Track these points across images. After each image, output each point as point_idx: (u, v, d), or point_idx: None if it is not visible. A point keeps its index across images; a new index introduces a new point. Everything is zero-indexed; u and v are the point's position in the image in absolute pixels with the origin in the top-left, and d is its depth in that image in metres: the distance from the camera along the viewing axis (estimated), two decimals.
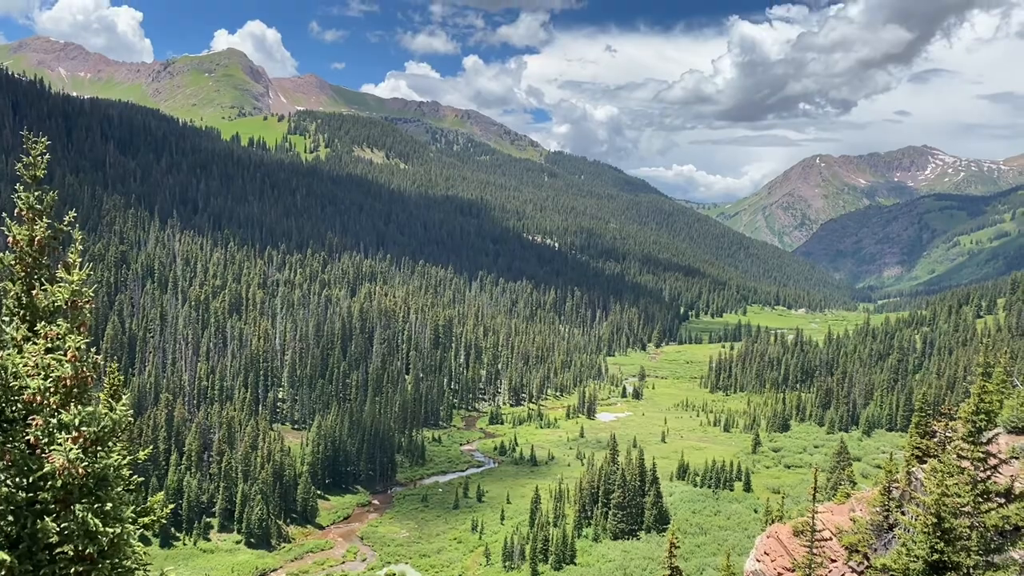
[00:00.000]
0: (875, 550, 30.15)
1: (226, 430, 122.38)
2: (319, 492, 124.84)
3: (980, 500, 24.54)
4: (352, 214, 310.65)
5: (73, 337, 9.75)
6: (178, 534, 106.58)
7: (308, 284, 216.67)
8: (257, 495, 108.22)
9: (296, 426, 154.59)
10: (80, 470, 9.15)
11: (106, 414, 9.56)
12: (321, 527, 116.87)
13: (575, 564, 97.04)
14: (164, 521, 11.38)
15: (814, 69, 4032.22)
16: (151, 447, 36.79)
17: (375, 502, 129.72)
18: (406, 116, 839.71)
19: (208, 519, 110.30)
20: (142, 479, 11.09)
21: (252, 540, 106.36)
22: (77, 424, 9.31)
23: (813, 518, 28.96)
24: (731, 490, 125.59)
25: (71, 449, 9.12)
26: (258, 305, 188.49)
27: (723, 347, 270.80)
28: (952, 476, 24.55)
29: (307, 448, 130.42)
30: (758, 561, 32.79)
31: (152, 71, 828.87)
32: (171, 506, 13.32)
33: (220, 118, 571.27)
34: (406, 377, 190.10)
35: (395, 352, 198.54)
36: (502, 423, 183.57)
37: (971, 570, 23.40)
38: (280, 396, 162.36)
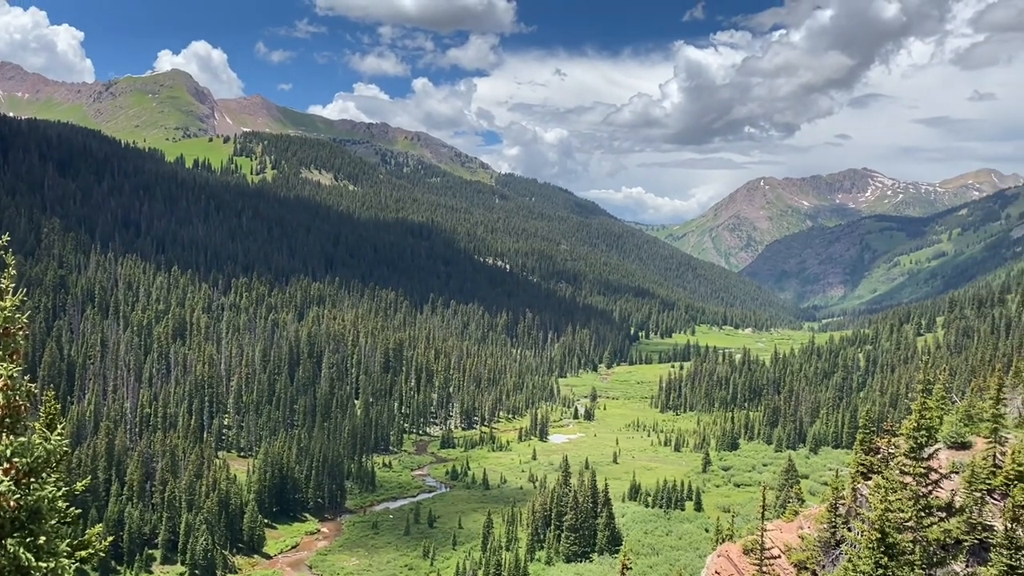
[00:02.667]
0: (823, 567, 30.56)
1: (170, 458, 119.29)
2: (266, 521, 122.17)
3: (922, 515, 25.08)
4: (300, 237, 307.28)
5: (5, 365, 9.41)
6: (119, 567, 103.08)
7: (254, 308, 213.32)
8: (202, 525, 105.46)
9: (242, 453, 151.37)
10: (12, 503, 8.80)
11: (40, 444, 9.22)
12: (268, 557, 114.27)
13: None
14: (103, 554, 10.98)
15: (758, 93, 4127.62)
16: (89, 477, 35.69)
17: (324, 530, 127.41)
18: (355, 138, 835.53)
19: (151, 551, 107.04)
20: (80, 511, 10.68)
21: (197, 572, 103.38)
22: (9, 455, 8.96)
23: (762, 536, 29.26)
24: (682, 510, 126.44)
25: (2, 481, 8.77)
26: (203, 330, 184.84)
27: (673, 367, 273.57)
28: (895, 492, 25.04)
29: (254, 476, 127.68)
30: None
31: (93, 92, 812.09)
32: (111, 538, 12.79)
33: (164, 139, 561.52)
34: (355, 402, 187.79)
35: (344, 376, 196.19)
36: (454, 447, 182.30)
37: None
38: (226, 423, 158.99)
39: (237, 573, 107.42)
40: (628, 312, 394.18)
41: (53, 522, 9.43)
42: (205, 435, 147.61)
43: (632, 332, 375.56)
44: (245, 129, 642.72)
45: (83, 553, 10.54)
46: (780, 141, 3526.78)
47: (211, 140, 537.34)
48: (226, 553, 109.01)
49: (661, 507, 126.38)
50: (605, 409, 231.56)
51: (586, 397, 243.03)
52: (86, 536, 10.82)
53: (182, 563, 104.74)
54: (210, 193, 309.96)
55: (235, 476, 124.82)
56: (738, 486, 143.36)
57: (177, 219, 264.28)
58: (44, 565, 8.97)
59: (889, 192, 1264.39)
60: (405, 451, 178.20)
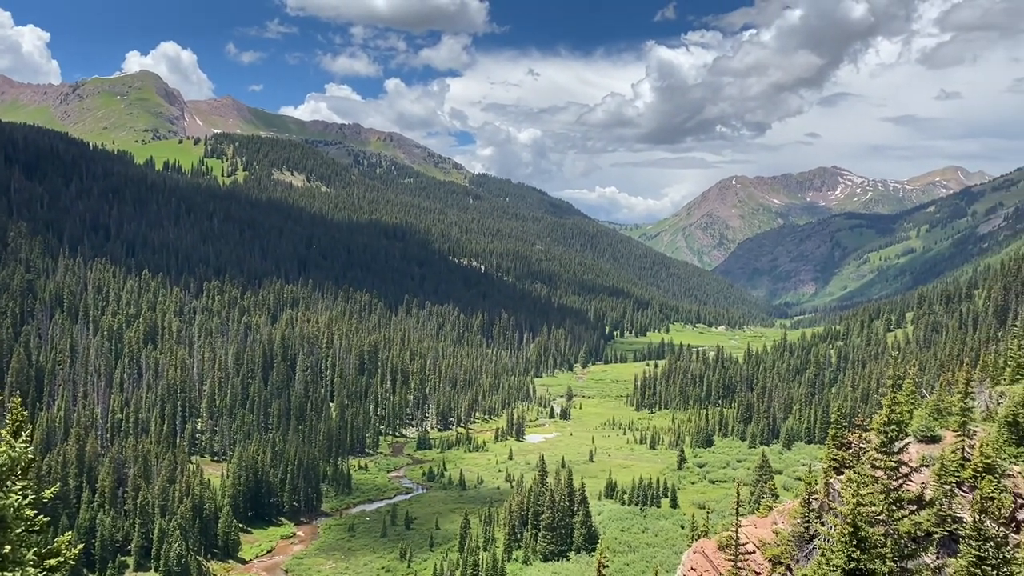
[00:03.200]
0: (797, 561, 30.86)
1: (142, 464, 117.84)
2: (241, 525, 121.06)
3: (893, 508, 25.40)
4: (272, 239, 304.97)
5: None
6: (90, 575, 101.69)
7: (227, 311, 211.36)
8: (175, 531, 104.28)
9: (216, 458, 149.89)
10: None
11: (4, 452, 9.06)
12: (244, 561, 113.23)
13: None
14: (73, 562, 10.81)
15: (730, 93, 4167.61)
16: (59, 485, 35.12)
17: (300, 534, 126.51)
18: (327, 139, 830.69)
19: (123, 558, 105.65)
20: (49, 519, 10.50)
21: None
22: None
23: (737, 532, 29.49)
24: (658, 507, 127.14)
25: None
26: (174, 334, 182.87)
27: (647, 365, 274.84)
28: (867, 486, 25.34)
29: (228, 480, 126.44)
30: None
31: (60, 93, 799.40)
32: (81, 546, 12.59)
33: (133, 142, 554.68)
34: (330, 404, 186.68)
35: (319, 379, 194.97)
36: (430, 448, 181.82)
37: None
38: (199, 427, 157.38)
39: None
40: (603, 311, 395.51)
41: (19, 530, 9.27)
42: (178, 440, 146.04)
43: (607, 331, 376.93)
44: (216, 131, 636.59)
45: (52, 561, 10.37)
46: (751, 140, 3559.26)
47: (181, 142, 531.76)
48: (200, 559, 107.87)
49: (637, 505, 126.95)
50: (581, 408, 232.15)
51: (562, 396, 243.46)
52: (55, 544, 10.65)
53: (155, 570, 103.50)
54: (181, 195, 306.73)
55: (209, 481, 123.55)
56: (713, 482, 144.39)
57: (147, 222, 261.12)
58: (9, 574, 8.82)
59: (858, 190, 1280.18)
60: (381, 453, 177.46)
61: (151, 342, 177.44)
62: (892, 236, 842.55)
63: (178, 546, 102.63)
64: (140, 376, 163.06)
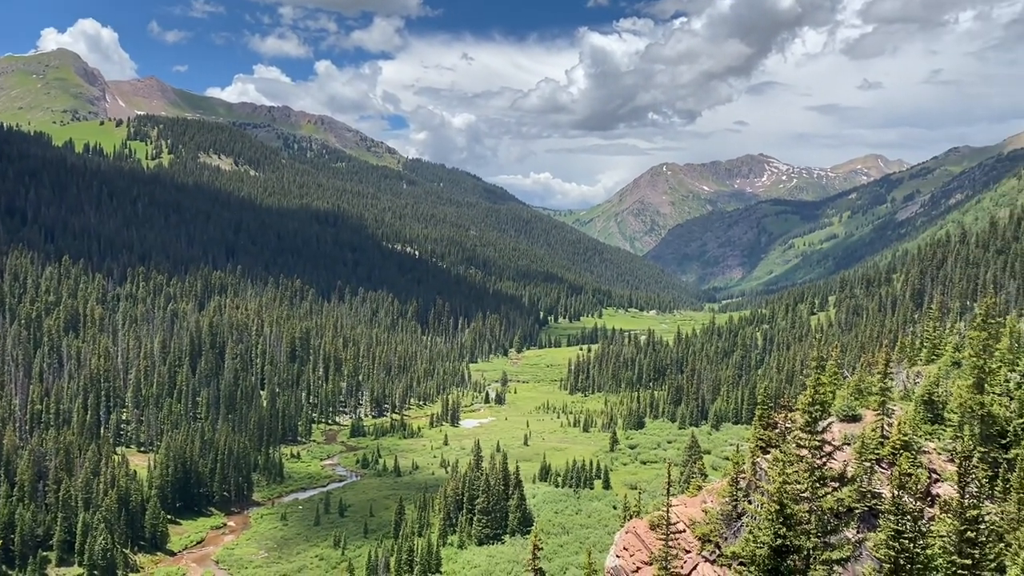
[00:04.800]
0: (726, 539, 31.68)
1: (64, 456, 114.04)
2: (170, 517, 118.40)
3: (817, 485, 26.28)
4: (199, 224, 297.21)
5: None
6: (10, 571, 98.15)
7: (152, 298, 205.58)
8: (100, 524, 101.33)
9: (143, 448, 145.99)
10: None
11: None
12: (172, 553, 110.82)
13: (440, 573, 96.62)
14: None
15: (661, 80, 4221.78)
16: None
17: (231, 524, 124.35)
18: (256, 121, 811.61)
19: (45, 553, 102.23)
20: None
21: (95, 572, 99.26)
22: None
23: (668, 512, 30.08)
24: (591, 488, 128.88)
25: None
26: (97, 322, 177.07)
27: (581, 350, 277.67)
28: (792, 464, 26.14)
29: (155, 471, 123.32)
30: (618, 557, 33.71)
31: None
32: None
33: (51, 123, 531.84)
34: (261, 393, 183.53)
35: (249, 367, 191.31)
36: (364, 435, 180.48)
37: (811, 552, 24.99)
38: (124, 417, 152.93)
39: (139, 572, 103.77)
40: (538, 297, 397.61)
41: None
42: (102, 431, 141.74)
43: (542, 316, 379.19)
44: (139, 112, 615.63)
45: None
46: (682, 127, 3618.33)
47: (103, 123, 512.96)
48: (127, 552, 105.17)
49: (571, 487, 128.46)
50: (516, 393, 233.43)
51: (497, 382, 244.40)
52: None
53: (79, 564, 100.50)
54: (103, 179, 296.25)
55: (135, 472, 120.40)
56: (644, 463, 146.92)
57: (67, 206, 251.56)
58: None
59: (784, 177, 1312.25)
60: (314, 441, 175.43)
61: (72, 330, 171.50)
62: (816, 222, 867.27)
63: (103, 539, 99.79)
64: (61, 366, 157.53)
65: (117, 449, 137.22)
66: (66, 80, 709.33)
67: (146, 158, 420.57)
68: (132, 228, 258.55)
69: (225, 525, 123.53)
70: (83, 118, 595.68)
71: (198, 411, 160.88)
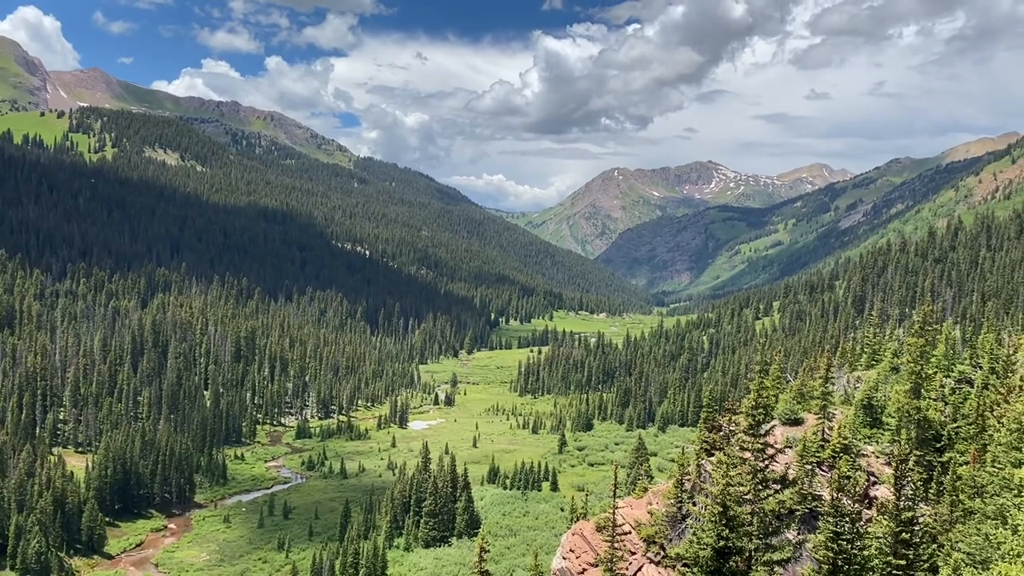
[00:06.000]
0: (671, 540, 31.99)
1: None
2: (108, 519, 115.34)
3: (760, 488, 26.70)
4: (143, 219, 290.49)
5: None
6: None
7: (93, 295, 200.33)
8: (34, 527, 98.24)
9: (81, 449, 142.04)
10: None
11: None
12: (110, 557, 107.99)
13: None
14: None
15: (614, 86, 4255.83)
16: None
17: (172, 526, 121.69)
18: (203, 116, 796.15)
19: None
20: None
21: None
22: None
23: (614, 513, 30.26)
24: (539, 490, 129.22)
25: None
26: (35, 318, 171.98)
27: (531, 352, 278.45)
28: (735, 467, 26.51)
29: (93, 472, 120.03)
30: (564, 559, 33.82)
31: None
32: None
33: None
34: (205, 393, 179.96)
35: (192, 366, 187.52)
36: (310, 437, 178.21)
37: (753, 553, 25.37)
38: (61, 417, 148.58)
39: (75, 575, 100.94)
40: (489, 298, 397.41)
41: None
42: (38, 431, 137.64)
43: (493, 318, 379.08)
44: (82, 104, 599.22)
45: None
46: (634, 133, 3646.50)
47: (43, 115, 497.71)
48: (62, 555, 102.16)
49: (519, 489, 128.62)
50: (466, 394, 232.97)
51: (447, 383, 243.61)
52: None
53: (12, 568, 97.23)
54: (42, 172, 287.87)
55: (72, 473, 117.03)
56: (592, 465, 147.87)
57: (4, 199, 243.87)
58: None
59: (732, 184, 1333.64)
60: (259, 442, 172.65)
61: (7, 327, 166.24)
62: (762, 229, 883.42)
63: (37, 543, 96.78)
64: None
65: (53, 450, 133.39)
66: (5, 69, 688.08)
67: (89, 151, 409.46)
68: (73, 222, 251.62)
69: (166, 528, 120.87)
70: (23, 108, 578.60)
71: (139, 411, 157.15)
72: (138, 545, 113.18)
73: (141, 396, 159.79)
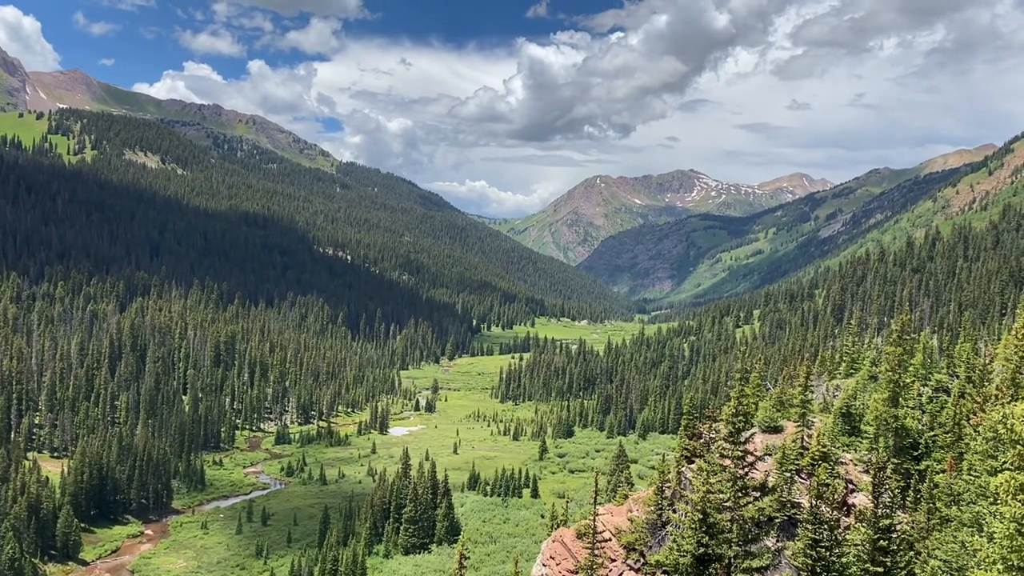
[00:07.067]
0: (651, 547, 32.04)
1: None
2: (83, 525, 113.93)
3: (739, 495, 26.83)
4: (123, 223, 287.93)
5: None
6: None
7: (71, 298, 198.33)
8: (8, 532, 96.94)
9: (56, 454, 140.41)
10: None
11: None
12: (85, 563, 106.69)
13: None
14: None
15: (598, 94, 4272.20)
16: None
17: (148, 532, 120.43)
18: (185, 119, 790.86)
19: None
20: None
21: None
22: None
23: (594, 520, 30.28)
24: (520, 497, 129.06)
25: None
26: (10, 321, 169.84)
27: (513, 358, 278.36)
28: (716, 474, 26.62)
29: (69, 477, 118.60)
30: (544, 565, 33.78)
31: None
32: None
33: None
34: (183, 398, 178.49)
35: (171, 371, 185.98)
36: (290, 443, 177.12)
37: (732, 560, 25.48)
38: (37, 421, 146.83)
39: None
40: (471, 304, 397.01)
41: None
42: (13, 435, 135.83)
43: (474, 324, 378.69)
44: (62, 105, 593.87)
45: None
46: (617, 141, 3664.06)
47: (22, 116, 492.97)
48: (36, 561, 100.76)
49: (499, 495, 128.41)
50: (447, 401, 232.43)
51: (428, 389, 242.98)
52: None
53: None
54: (20, 173, 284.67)
55: (47, 478, 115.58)
56: (573, 472, 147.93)
57: None
58: None
59: (713, 193, 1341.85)
60: (237, 448, 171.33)
61: None
62: (743, 238, 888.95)
63: (11, 548, 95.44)
64: None
65: (28, 454, 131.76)
66: None
67: (68, 153, 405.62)
68: (51, 225, 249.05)
69: (142, 534, 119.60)
70: (1, 109, 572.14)
71: (116, 416, 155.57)
72: (114, 551, 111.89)
73: (119, 401, 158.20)
